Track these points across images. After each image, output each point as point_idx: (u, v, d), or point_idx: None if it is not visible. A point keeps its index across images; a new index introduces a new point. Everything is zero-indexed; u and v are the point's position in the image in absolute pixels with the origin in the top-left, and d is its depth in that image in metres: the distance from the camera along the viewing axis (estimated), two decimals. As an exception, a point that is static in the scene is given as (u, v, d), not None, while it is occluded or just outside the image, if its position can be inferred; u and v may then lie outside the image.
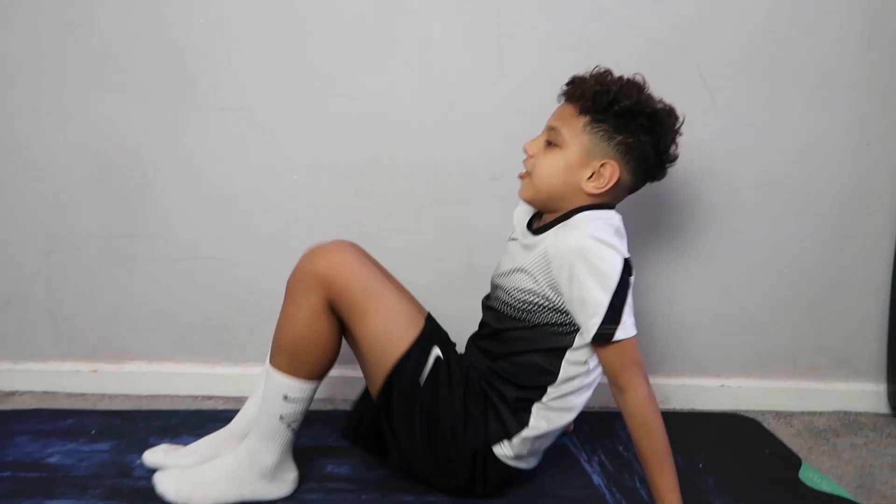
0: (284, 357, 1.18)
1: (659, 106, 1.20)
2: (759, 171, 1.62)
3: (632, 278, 1.15)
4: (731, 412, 1.68)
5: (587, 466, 1.40)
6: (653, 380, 1.66)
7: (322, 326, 1.17)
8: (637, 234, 1.63)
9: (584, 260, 1.11)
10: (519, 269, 1.22)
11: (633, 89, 1.19)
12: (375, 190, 1.62)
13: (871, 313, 1.70)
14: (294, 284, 1.19)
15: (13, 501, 1.21)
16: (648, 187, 1.62)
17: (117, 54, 1.55)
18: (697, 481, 1.35)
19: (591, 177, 1.18)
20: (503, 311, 1.24)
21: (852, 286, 1.70)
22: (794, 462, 1.45)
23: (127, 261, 1.66)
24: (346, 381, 1.56)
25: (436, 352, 1.19)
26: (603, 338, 1.12)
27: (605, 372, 1.17)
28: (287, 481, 1.25)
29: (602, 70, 1.22)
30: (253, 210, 1.62)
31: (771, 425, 1.62)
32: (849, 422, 1.66)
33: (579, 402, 1.24)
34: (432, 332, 1.23)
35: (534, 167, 1.22)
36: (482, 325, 1.33)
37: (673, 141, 1.22)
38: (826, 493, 1.33)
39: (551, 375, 1.19)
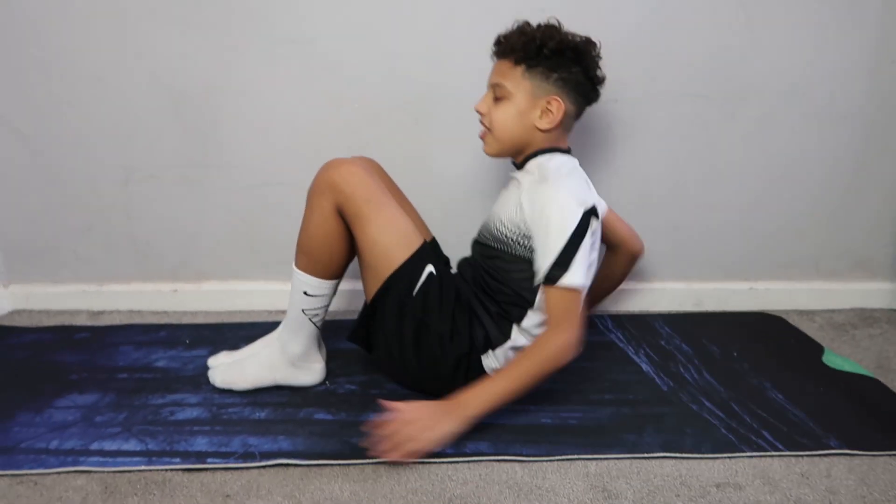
0: (303, 257, 1.34)
1: (578, 39, 1.33)
2: (790, 87, 1.74)
3: (593, 226, 1.27)
4: (758, 311, 1.84)
5: (635, 358, 1.57)
6: (688, 284, 1.87)
7: (332, 229, 1.30)
8: (675, 150, 1.77)
9: (549, 206, 1.25)
10: (506, 202, 1.36)
11: (553, 31, 1.31)
12: (433, 116, 1.73)
13: (887, 220, 1.86)
14: (311, 192, 1.32)
15: (140, 395, 1.38)
16: (688, 107, 1.74)
17: (186, -9, 1.64)
18: (734, 366, 1.52)
19: (541, 115, 1.32)
20: (487, 242, 1.38)
21: (870, 196, 1.84)
22: (818, 349, 1.62)
23: (201, 187, 1.78)
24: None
25: (429, 268, 1.30)
26: (549, 280, 1.23)
27: (547, 311, 1.26)
28: (314, 371, 1.43)
29: (521, 22, 1.35)
30: (318, 138, 1.74)
31: (795, 321, 1.78)
32: (865, 317, 1.83)
33: None
34: (428, 251, 1.33)
35: (490, 123, 1.35)
36: (472, 248, 1.46)
37: (597, 65, 1.35)
38: (848, 372, 1.50)
39: (528, 303, 1.31)
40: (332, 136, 1.73)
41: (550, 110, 1.31)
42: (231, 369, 1.42)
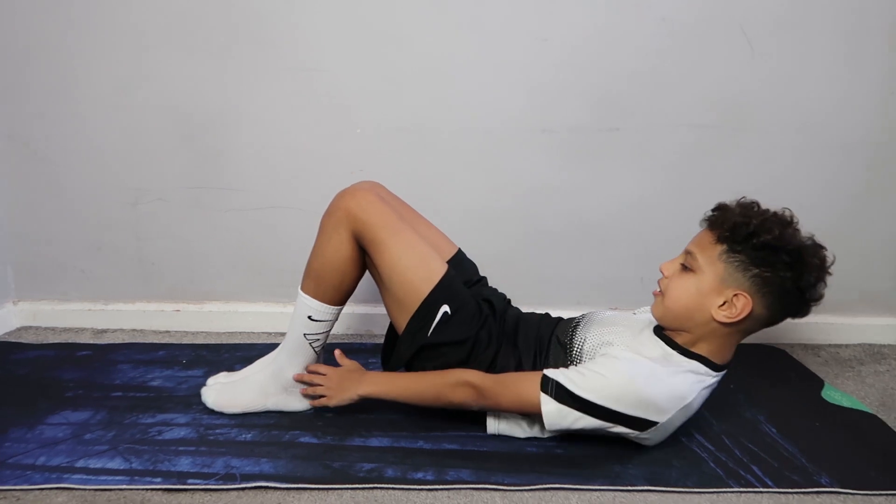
0: (312, 282, 1.35)
1: (806, 242, 1.20)
2: (795, 117, 1.73)
3: (621, 430, 1.21)
4: (759, 344, 1.80)
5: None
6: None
7: (347, 256, 1.32)
8: (678, 179, 1.76)
9: (641, 389, 1.20)
10: (621, 333, 1.30)
11: (775, 224, 1.19)
12: (432, 143, 1.75)
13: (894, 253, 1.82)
14: (326, 220, 1.34)
15: (132, 414, 1.40)
16: (691, 137, 1.73)
17: (196, 18, 1.68)
18: (728, 398, 1.49)
19: (722, 305, 1.20)
20: (573, 349, 1.32)
21: (880, 229, 1.81)
22: (817, 383, 1.59)
23: (206, 210, 1.82)
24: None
25: (444, 308, 1.30)
26: (548, 380, 1.22)
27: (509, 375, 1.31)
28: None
29: (748, 201, 1.24)
30: (320, 163, 1.76)
31: (799, 356, 1.75)
32: (873, 353, 1.79)
33: None
34: (445, 285, 1.31)
35: (666, 289, 1.26)
36: (543, 323, 1.42)
37: (819, 279, 1.20)
38: (846, 408, 1.46)
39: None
40: (335, 162, 1.76)
41: (734, 305, 1.19)
42: (224, 392, 1.43)
